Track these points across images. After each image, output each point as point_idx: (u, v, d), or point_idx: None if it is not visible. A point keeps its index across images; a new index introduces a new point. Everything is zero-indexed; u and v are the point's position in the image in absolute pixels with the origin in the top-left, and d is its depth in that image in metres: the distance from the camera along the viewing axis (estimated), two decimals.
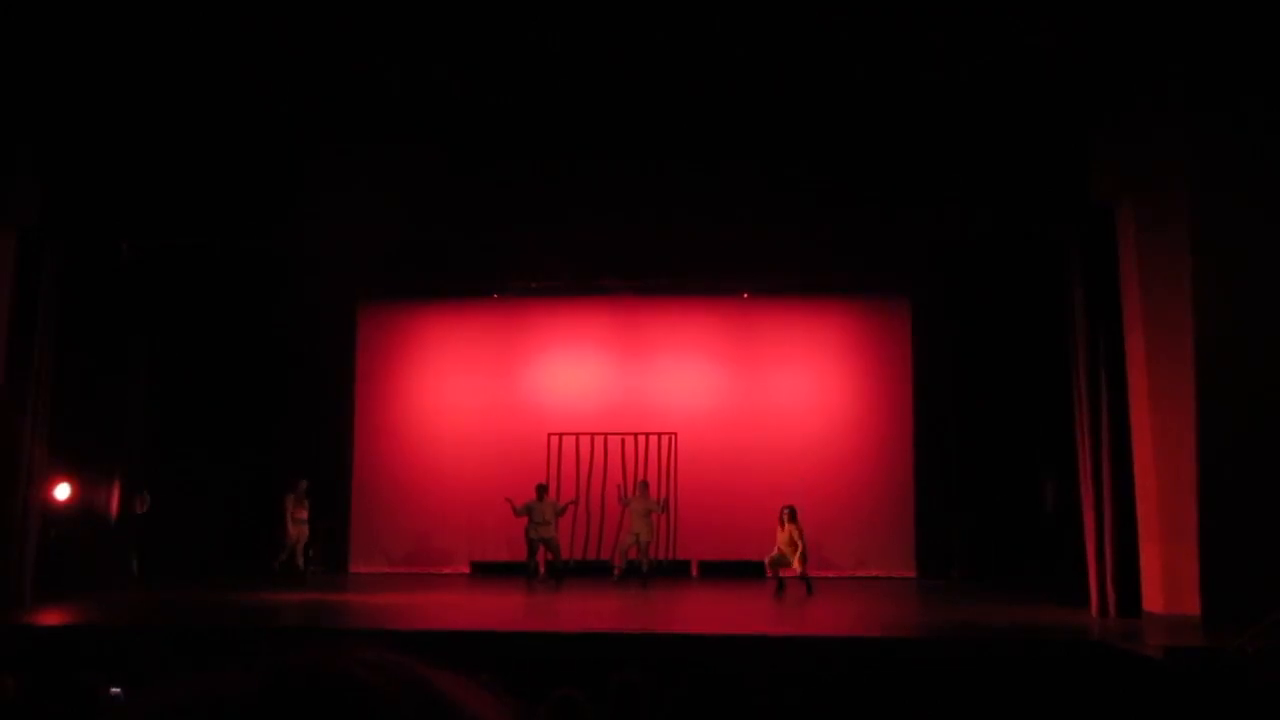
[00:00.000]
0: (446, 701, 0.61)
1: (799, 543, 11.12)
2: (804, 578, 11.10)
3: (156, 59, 8.93)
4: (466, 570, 13.22)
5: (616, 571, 12.40)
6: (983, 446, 12.14)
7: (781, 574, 11.22)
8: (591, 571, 12.62)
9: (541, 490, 12.16)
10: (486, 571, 13.00)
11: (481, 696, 0.64)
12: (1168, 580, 9.11)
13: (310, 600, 10.58)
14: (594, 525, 13.22)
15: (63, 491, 10.84)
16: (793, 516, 11.28)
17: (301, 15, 8.26)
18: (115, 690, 4.72)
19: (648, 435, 13.38)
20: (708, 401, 13.52)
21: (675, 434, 13.35)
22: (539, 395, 13.61)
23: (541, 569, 12.25)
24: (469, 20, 8.33)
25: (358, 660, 0.62)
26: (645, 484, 12.61)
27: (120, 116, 9.81)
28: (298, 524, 11.96)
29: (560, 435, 13.36)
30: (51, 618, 9.04)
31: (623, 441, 13.37)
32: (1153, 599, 9.18)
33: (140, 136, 9.97)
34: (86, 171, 10.05)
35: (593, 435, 13.39)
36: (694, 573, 13.14)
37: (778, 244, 11.61)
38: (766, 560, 11.40)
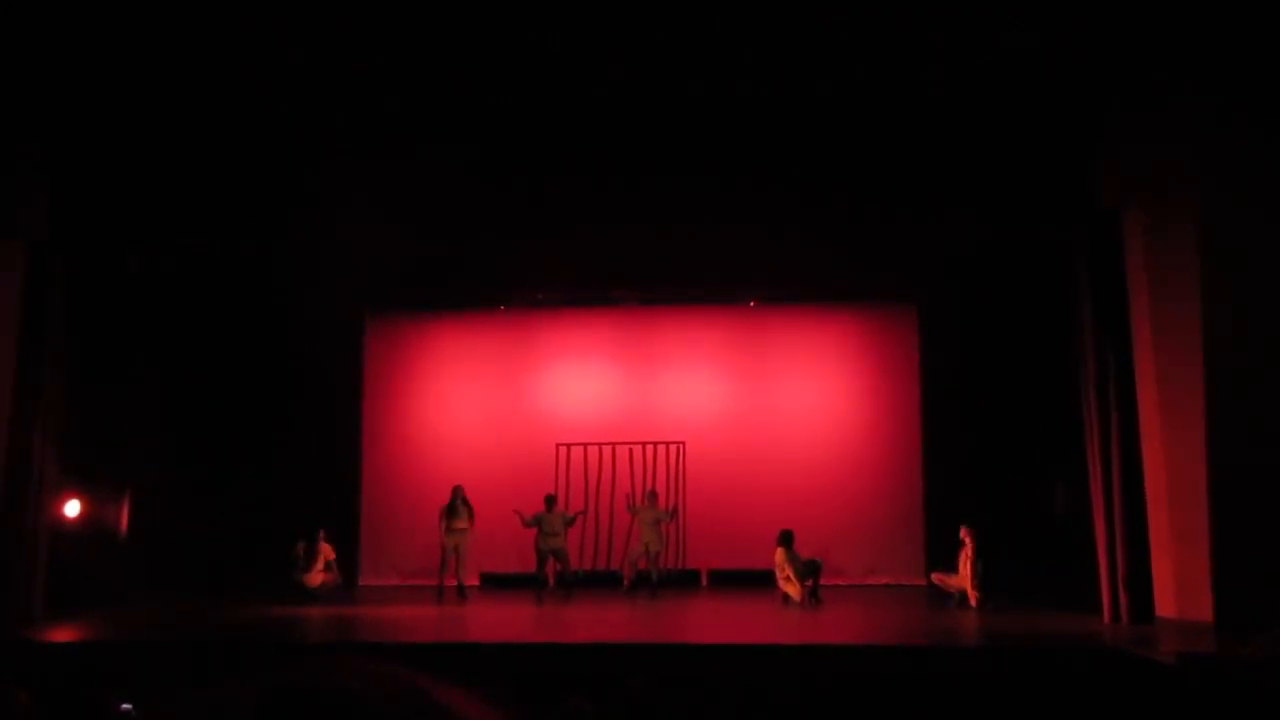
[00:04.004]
0: (445, 714, 0.61)
1: (785, 567, 10.99)
2: (811, 593, 10.95)
3: (164, 73, 9.00)
4: (476, 582, 13.20)
5: (626, 581, 12.37)
6: (992, 453, 12.09)
7: (784, 588, 11.13)
8: (601, 582, 12.60)
9: (550, 501, 12.15)
10: (496, 583, 12.98)
11: (481, 708, 0.64)
12: (1180, 585, 9.06)
13: (321, 614, 10.58)
14: (603, 535, 13.21)
15: (73, 508, 10.86)
16: (782, 540, 11.11)
17: (308, 28, 8.31)
18: (126, 706, 4.72)
19: (656, 445, 13.38)
20: (715, 410, 13.50)
21: (683, 443, 13.34)
22: (547, 406, 13.62)
23: (551, 580, 12.24)
24: (474, 31, 8.37)
25: (355, 674, 0.62)
26: (654, 493, 12.58)
27: (128, 131, 9.87)
28: (454, 533, 11.85)
29: (569, 446, 13.36)
30: (63, 633, 9.06)
31: (631, 451, 13.37)
32: (1165, 604, 9.12)
33: (148, 151, 10.02)
34: (94, 186, 10.08)
35: (601, 445, 13.39)
36: (704, 582, 13.11)
37: (784, 251, 11.58)
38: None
